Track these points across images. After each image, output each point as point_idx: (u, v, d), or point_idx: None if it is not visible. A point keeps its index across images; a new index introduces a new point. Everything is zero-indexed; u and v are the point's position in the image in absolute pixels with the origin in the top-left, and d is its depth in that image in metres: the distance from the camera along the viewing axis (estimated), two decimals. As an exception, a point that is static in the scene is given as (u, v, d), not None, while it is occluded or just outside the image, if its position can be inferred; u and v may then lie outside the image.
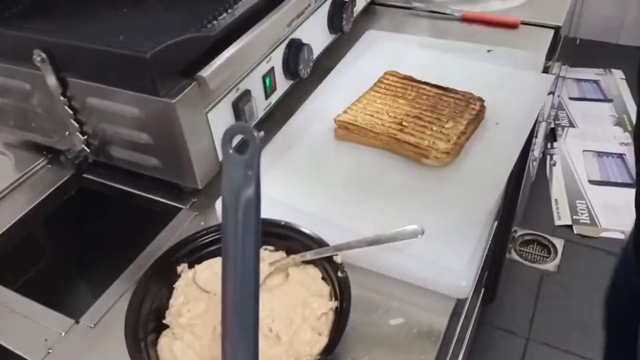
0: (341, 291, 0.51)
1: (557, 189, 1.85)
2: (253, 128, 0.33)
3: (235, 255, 0.34)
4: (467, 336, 1.10)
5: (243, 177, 0.33)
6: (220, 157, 0.69)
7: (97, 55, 0.61)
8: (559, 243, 1.70)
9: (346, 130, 0.73)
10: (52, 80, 0.65)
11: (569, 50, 1.83)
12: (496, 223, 0.95)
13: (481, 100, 0.73)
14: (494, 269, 1.37)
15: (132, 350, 0.48)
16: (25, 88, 0.70)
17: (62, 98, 0.66)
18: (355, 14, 0.93)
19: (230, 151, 0.33)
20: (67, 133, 0.71)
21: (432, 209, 0.62)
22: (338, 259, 0.54)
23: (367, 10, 1.01)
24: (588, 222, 1.73)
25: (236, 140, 0.33)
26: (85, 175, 0.75)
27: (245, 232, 0.34)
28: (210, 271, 0.55)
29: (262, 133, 0.78)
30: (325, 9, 0.84)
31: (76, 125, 0.69)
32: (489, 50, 0.84)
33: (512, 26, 0.93)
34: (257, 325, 0.37)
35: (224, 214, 0.34)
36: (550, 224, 1.75)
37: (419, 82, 0.78)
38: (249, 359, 0.37)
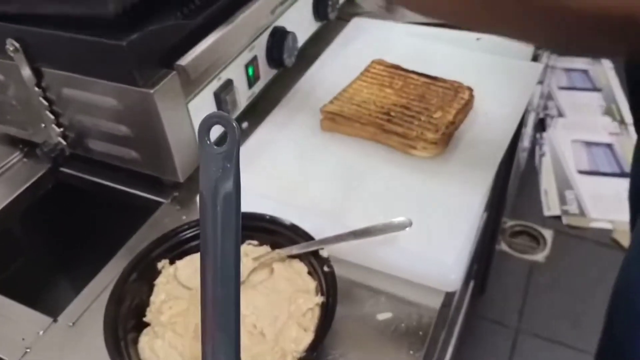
0: (327, 286, 0.50)
1: (547, 179, 1.85)
2: (231, 118, 0.31)
3: (214, 251, 0.33)
4: (457, 328, 1.10)
5: (221, 170, 0.31)
6: (197, 138, 0.67)
7: (72, 44, 0.58)
8: (548, 234, 1.70)
9: (332, 121, 0.71)
10: (26, 70, 0.63)
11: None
12: (486, 214, 0.94)
13: (470, 89, 0.71)
14: (483, 260, 1.37)
15: (112, 350, 0.46)
16: (-1, 79, 0.67)
17: (36, 89, 0.64)
18: (340, 1, 0.91)
19: (208, 142, 0.31)
20: (43, 125, 0.68)
21: (420, 200, 0.60)
22: (324, 253, 0.52)
23: (353, -2, 0.99)
24: (577, 212, 1.73)
25: (214, 130, 0.31)
26: (62, 169, 0.73)
27: (225, 227, 0.32)
28: (191, 267, 0.53)
29: (245, 124, 0.76)
30: (310, -4, 0.82)
31: (52, 117, 0.66)
32: (477, 39, 0.83)
33: (501, 14, 0.91)
34: (239, 325, 0.35)
35: (201, 209, 0.32)
36: (539, 214, 1.75)
37: (407, 71, 0.76)
38: (230, 357, 0.35)
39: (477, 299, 1.47)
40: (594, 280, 1.56)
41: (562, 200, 1.77)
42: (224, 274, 0.34)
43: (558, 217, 1.73)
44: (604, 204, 1.73)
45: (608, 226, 1.68)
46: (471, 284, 1.26)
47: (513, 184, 1.43)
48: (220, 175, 0.31)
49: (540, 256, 1.65)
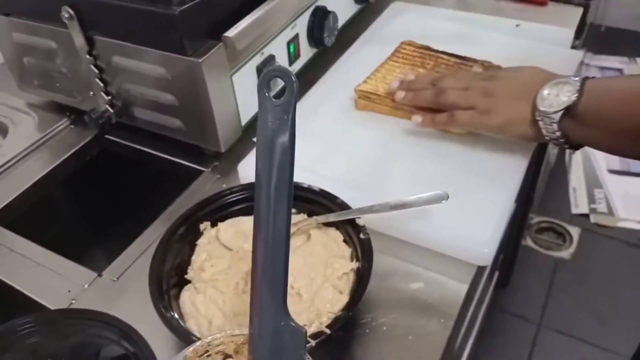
0: (363, 252, 0.51)
1: (576, 177, 1.83)
2: (291, 72, 0.32)
3: (268, 201, 0.34)
4: (479, 319, 1.10)
5: (279, 121, 0.33)
6: (243, 122, 0.69)
7: (125, 13, 0.60)
8: (574, 231, 1.68)
9: (367, 100, 0.72)
10: (79, 38, 0.65)
11: (594, 37, 1.80)
12: (514, 207, 0.94)
13: (500, 67, 0.72)
14: (509, 253, 1.37)
15: (157, 302, 0.48)
16: (51, 46, 0.70)
17: (87, 57, 0.67)
18: (381, -15, 0.92)
19: (267, 95, 0.33)
20: (92, 93, 0.71)
21: (455, 176, 0.61)
22: (360, 221, 0.54)
23: (392, -16, 1.00)
24: (605, 211, 1.71)
25: (273, 84, 0.33)
26: (107, 136, 0.76)
27: (280, 180, 0.33)
28: (233, 229, 0.55)
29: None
30: (351, -22, 0.84)
31: (101, 85, 0.69)
32: (517, 25, 0.83)
33: (541, 3, 0.91)
34: (287, 279, 0.36)
35: (257, 161, 0.34)
36: (567, 212, 1.74)
37: (437, 51, 0.77)
38: (279, 314, 0.36)
39: (501, 292, 1.47)
40: (619, 280, 1.55)
41: (591, 198, 1.75)
42: (277, 229, 0.35)
43: (586, 215, 1.72)
44: (633, 204, 1.71)
45: (637, 227, 1.66)
46: (496, 275, 1.26)
47: (542, 180, 1.42)
48: (278, 126, 0.33)
49: (565, 253, 1.64)
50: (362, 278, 0.49)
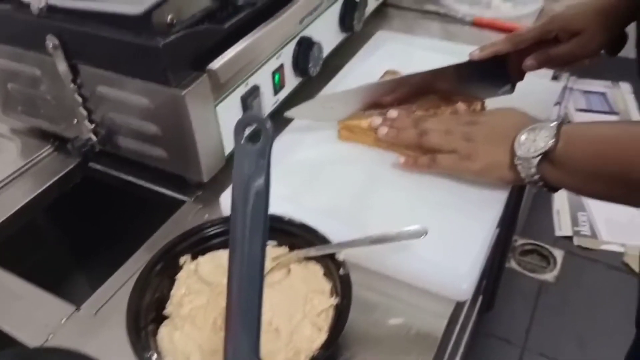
0: (342, 288, 0.51)
1: (560, 200, 1.85)
2: (266, 118, 0.33)
3: (242, 245, 0.35)
4: (463, 344, 1.10)
5: (254, 166, 0.33)
6: (227, 152, 0.69)
7: (109, 44, 0.61)
8: (558, 254, 1.70)
9: (350, 132, 0.73)
10: (63, 66, 0.65)
11: (577, 61, 1.83)
12: (497, 230, 0.95)
13: (482, 100, 0.73)
14: (492, 277, 1.37)
15: (133, 339, 0.48)
16: (35, 73, 0.70)
17: (72, 85, 0.67)
18: (366, 14, 0.93)
19: (243, 140, 0.33)
20: (75, 121, 0.71)
21: (435, 209, 0.62)
22: (340, 256, 0.54)
23: (378, 11, 1.02)
24: (589, 234, 1.73)
25: (248, 130, 0.33)
26: (90, 164, 0.76)
27: (254, 222, 0.34)
28: (213, 263, 0.55)
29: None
30: (337, 7, 0.85)
31: (84, 113, 0.69)
32: (498, 56, 0.84)
33: (523, 34, 0.93)
34: (260, 324, 0.37)
35: (233, 203, 0.34)
36: (550, 234, 1.76)
37: None
38: (251, 354, 0.37)
39: (485, 315, 1.47)
40: (602, 303, 1.56)
41: (575, 221, 1.77)
42: (251, 270, 0.36)
43: (569, 238, 1.74)
44: (616, 228, 1.73)
45: (620, 249, 1.68)
46: (479, 300, 1.27)
47: (526, 202, 1.44)
48: (254, 171, 0.33)
49: (549, 276, 1.65)
50: (340, 315, 0.49)
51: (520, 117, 0.62)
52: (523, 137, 0.58)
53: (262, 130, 0.33)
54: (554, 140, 0.55)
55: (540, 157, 0.56)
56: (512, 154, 0.59)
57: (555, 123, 0.57)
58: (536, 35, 0.68)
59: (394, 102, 0.74)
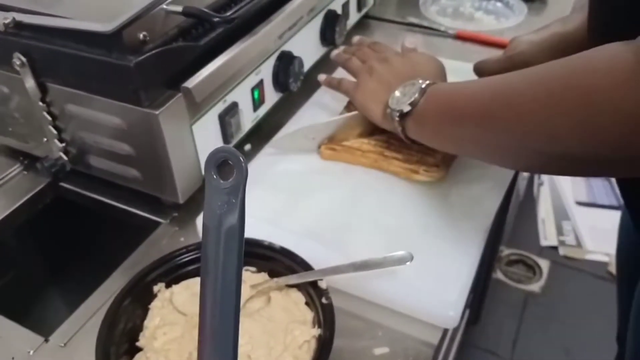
0: (325, 318, 0.49)
1: (544, 209, 1.85)
2: (240, 153, 0.30)
3: (215, 286, 0.32)
4: (451, 358, 1.09)
5: (226, 204, 0.31)
6: (204, 171, 0.67)
7: (79, 62, 0.58)
8: (544, 264, 1.69)
9: (333, 150, 0.71)
10: (31, 84, 0.62)
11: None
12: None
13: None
14: (479, 289, 1.36)
15: (102, 376, 0.45)
16: (3, 91, 0.67)
17: (40, 104, 0.64)
18: (348, 27, 0.91)
19: (214, 177, 0.31)
20: (45, 140, 0.68)
21: (422, 231, 0.60)
22: (323, 284, 0.52)
23: (360, 24, 1.00)
24: (574, 243, 1.73)
25: (221, 164, 0.31)
26: (61, 184, 0.72)
27: (227, 260, 0.32)
28: (188, 292, 0.53)
29: (248, 146, 0.76)
30: (318, 21, 0.83)
31: (54, 132, 0.66)
32: (482, 71, 0.83)
33: (505, 46, 0.92)
34: (237, 354, 0.34)
35: (204, 241, 0.32)
36: (536, 244, 1.75)
37: None
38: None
39: (471, 327, 1.46)
40: (588, 312, 1.55)
41: (559, 230, 1.77)
42: (224, 309, 0.33)
43: (555, 248, 1.73)
44: (600, 236, 1.73)
45: (604, 259, 1.68)
46: (466, 313, 1.25)
47: (511, 212, 1.43)
48: (225, 210, 0.31)
49: (535, 286, 1.64)
50: (323, 347, 0.47)
51: (433, 68, 0.67)
52: (398, 91, 0.61)
53: (235, 166, 0.30)
54: (417, 96, 0.58)
55: (400, 112, 0.59)
56: (386, 104, 0.62)
57: (428, 81, 0.59)
58: (499, 71, 0.68)
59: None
